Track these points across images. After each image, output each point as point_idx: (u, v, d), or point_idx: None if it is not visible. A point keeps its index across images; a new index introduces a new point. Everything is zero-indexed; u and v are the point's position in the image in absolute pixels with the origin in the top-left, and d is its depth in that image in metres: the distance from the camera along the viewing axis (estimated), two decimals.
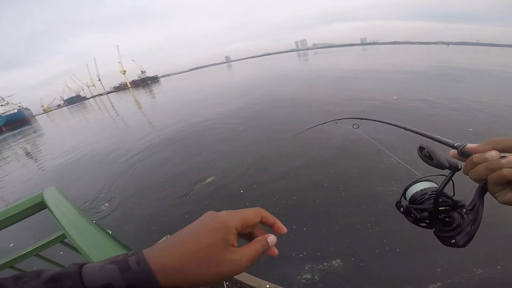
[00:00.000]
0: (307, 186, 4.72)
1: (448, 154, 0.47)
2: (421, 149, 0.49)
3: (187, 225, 0.35)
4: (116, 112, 27.08)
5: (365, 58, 52.10)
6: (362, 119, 1.07)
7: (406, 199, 0.56)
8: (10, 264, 1.10)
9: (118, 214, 5.00)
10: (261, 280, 2.42)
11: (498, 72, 18.62)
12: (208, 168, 6.23)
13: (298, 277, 2.89)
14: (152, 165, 7.33)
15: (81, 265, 0.31)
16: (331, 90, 14.55)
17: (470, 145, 0.43)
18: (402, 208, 0.55)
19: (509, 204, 0.39)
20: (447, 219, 0.47)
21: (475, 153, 0.42)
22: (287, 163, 5.80)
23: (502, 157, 0.39)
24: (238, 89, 22.34)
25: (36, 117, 78.94)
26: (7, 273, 0.70)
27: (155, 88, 62.45)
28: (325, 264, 3.03)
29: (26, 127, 41.08)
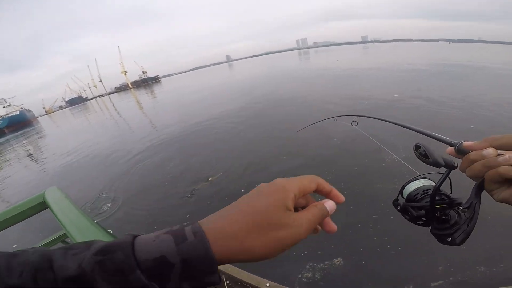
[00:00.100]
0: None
1: (445, 151, 0.47)
2: (417, 147, 0.49)
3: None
4: (118, 112, 27.16)
5: (366, 56, 51.88)
6: (360, 116, 1.07)
7: (403, 197, 0.56)
8: None
9: (120, 215, 5.02)
10: (262, 278, 2.43)
11: (500, 69, 18.50)
12: (209, 168, 6.24)
13: (299, 276, 2.88)
14: (153, 166, 7.35)
15: (135, 236, 0.30)
16: (331, 89, 14.51)
17: (467, 143, 0.43)
18: (399, 206, 0.55)
19: (505, 202, 0.39)
20: (443, 217, 0.47)
21: (472, 151, 0.42)
22: (287, 162, 5.80)
23: (499, 154, 0.39)
24: (238, 89, 22.31)
25: (38, 118, 79.15)
26: None
27: (156, 88, 62.57)
28: (326, 263, 3.02)
29: (28, 129, 41.25)
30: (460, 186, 0.54)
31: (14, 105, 68.57)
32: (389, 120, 0.75)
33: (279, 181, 0.34)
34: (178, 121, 12.70)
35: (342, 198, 0.38)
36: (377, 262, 2.99)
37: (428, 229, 0.51)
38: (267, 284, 2.26)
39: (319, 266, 3.00)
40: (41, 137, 24.37)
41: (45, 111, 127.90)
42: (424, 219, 0.50)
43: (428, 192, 0.52)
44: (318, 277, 2.86)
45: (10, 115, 60.67)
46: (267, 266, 2.93)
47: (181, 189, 5.44)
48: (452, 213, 0.47)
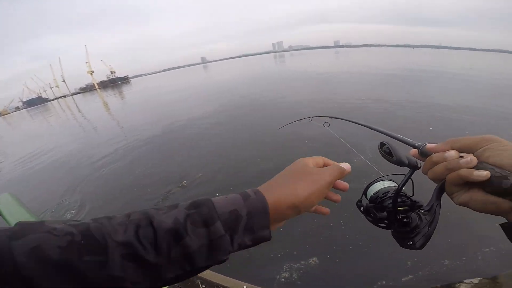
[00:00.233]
0: None
1: (409, 153, 0.47)
2: (381, 145, 0.48)
3: None
4: (82, 114, 25.44)
5: (337, 60, 54.35)
6: (332, 117, 1.10)
7: (367, 198, 0.55)
8: None
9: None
10: (238, 281, 2.38)
11: (457, 74, 20.42)
12: (182, 171, 6.02)
13: (278, 277, 2.90)
14: (121, 169, 6.94)
15: (210, 198, 0.37)
16: (305, 91, 14.86)
17: (429, 145, 0.43)
18: (362, 207, 0.54)
19: (464, 205, 0.38)
20: (404, 220, 0.46)
21: (434, 153, 0.42)
22: (262, 165, 5.79)
23: (460, 157, 0.38)
24: (213, 90, 22.10)
25: None
26: None
27: (125, 89, 59.80)
28: (303, 262, 3.05)
29: None
30: (422, 189, 0.53)
31: None
32: (358, 122, 0.77)
33: (300, 159, 0.47)
34: (148, 122, 12.20)
35: (348, 165, 0.48)
36: (351, 259, 3.08)
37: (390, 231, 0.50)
38: (244, 286, 2.21)
39: (295, 266, 3.02)
40: None
41: None
42: (386, 221, 0.49)
43: (392, 194, 0.51)
44: (296, 277, 2.89)
45: None
46: (246, 269, 2.92)
47: (153, 193, 5.19)
48: (413, 215, 0.46)
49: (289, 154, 6.11)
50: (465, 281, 2.13)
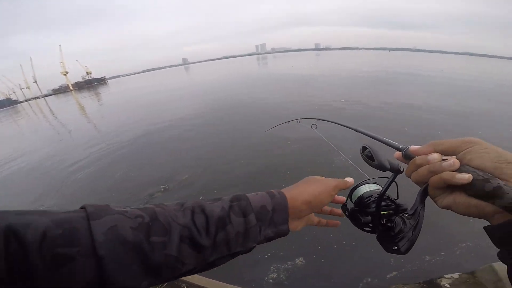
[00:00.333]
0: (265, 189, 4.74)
1: (393, 156, 0.46)
2: (363, 149, 0.47)
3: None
4: (56, 116, 24.04)
5: (318, 62, 55.69)
6: (320, 119, 1.12)
7: (352, 202, 0.55)
8: None
9: None
10: (224, 283, 2.34)
11: (431, 77, 21.59)
12: (163, 175, 5.84)
13: (266, 278, 2.90)
14: (99, 173, 6.61)
15: (245, 194, 0.44)
16: (285, 95, 14.93)
17: (413, 147, 0.43)
18: (347, 212, 0.54)
19: (448, 209, 0.38)
20: (389, 224, 0.46)
21: (417, 155, 0.41)
22: (247, 167, 5.75)
23: (443, 159, 0.38)
24: (194, 93, 21.86)
25: None
26: None
27: (102, 90, 57.43)
28: (289, 263, 3.07)
29: None
30: (408, 191, 0.53)
31: None
32: (344, 125, 0.79)
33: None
34: (127, 125, 11.77)
35: (351, 179, 0.54)
36: (336, 259, 3.13)
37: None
38: None
39: (282, 267, 3.02)
40: None
41: None
42: (371, 225, 0.49)
43: (375, 197, 0.50)
44: (283, 277, 2.89)
45: None
46: (234, 271, 2.91)
47: (132, 199, 4.98)
48: (397, 220, 0.46)
49: (273, 156, 6.12)
50: (445, 276, 2.22)
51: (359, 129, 0.66)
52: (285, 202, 0.44)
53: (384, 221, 0.46)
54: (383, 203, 0.47)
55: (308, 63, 52.01)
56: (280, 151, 6.29)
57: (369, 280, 2.76)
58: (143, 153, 7.72)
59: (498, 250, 0.34)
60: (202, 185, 5.21)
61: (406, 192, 0.53)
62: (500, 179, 0.32)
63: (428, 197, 0.42)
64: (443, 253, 3.00)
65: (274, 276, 2.92)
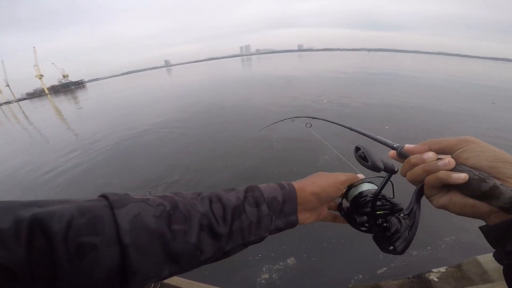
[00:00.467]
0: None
1: (388, 155, 0.46)
2: (357, 149, 0.47)
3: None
4: (30, 122, 22.73)
5: (301, 63, 56.54)
6: (314, 118, 1.10)
7: (347, 201, 0.54)
8: None
9: None
10: (211, 286, 2.30)
11: (408, 76, 22.52)
12: (147, 178, 5.66)
13: (258, 279, 2.89)
14: (76, 181, 6.30)
15: (258, 185, 0.46)
16: (270, 95, 15.01)
17: (407, 146, 0.43)
18: (342, 212, 0.53)
19: (444, 209, 0.37)
20: (384, 224, 0.45)
21: (412, 154, 0.41)
22: (232, 169, 5.72)
23: (438, 158, 0.38)
24: (177, 95, 21.43)
25: None
26: None
27: (80, 94, 55.07)
28: (281, 263, 3.07)
29: None
30: (404, 191, 0.53)
31: None
32: (339, 123, 0.79)
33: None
34: (107, 129, 11.31)
35: (361, 175, 0.55)
36: (326, 257, 3.16)
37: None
38: None
39: (274, 267, 3.02)
40: None
41: None
42: (367, 225, 0.48)
43: (371, 197, 0.49)
44: (276, 278, 2.89)
45: None
46: (227, 273, 2.90)
47: None
48: (393, 220, 0.45)
49: (259, 157, 6.12)
50: (433, 270, 2.28)
51: (353, 127, 0.66)
52: (294, 193, 0.46)
53: (380, 221, 0.45)
54: (378, 203, 0.46)
55: (292, 64, 52.66)
56: (266, 153, 6.30)
57: (360, 277, 2.80)
58: (125, 158, 7.45)
59: (494, 250, 0.34)
60: (189, 188, 5.11)
61: (403, 191, 0.52)
62: (496, 178, 0.32)
63: (424, 197, 0.42)
64: (429, 248, 3.10)
65: (267, 276, 2.91)
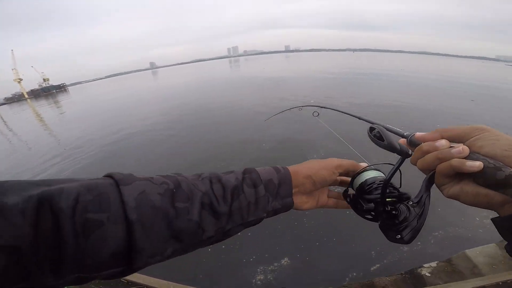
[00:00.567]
0: None
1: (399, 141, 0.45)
2: (371, 129, 0.46)
3: None
4: (10, 128, 21.72)
5: (288, 64, 57.02)
6: (322, 107, 1.09)
7: (353, 189, 0.52)
8: None
9: None
10: (186, 286, 2.28)
11: (393, 76, 23.16)
12: None
13: (254, 280, 2.88)
14: None
15: (255, 168, 0.46)
16: (258, 97, 15.03)
17: (418, 134, 0.41)
18: (348, 198, 0.52)
19: (455, 198, 0.36)
20: (393, 212, 0.44)
21: (424, 142, 0.39)
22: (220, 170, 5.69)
23: (451, 147, 0.36)
24: (161, 98, 21.15)
25: None
26: None
27: (62, 98, 53.10)
28: (276, 264, 3.06)
29: None
30: (410, 181, 0.53)
31: None
32: (347, 112, 0.78)
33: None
34: (91, 133, 11.02)
35: (365, 164, 0.55)
36: (319, 256, 3.18)
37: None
38: None
39: (269, 268, 3.01)
40: None
41: None
42: (373, 213, 0.47)
43: (380, 184, 0.48)
44: (271, 278, 2.89)
45: None
46: (223, 276, 2.92)
47: None
48: (402, 207, 0.44)
49: (249, 158, 6.10)
50: (424, 265, 2.34)
51: (362, 116, 0.65)
52: (289, 176, 0.46)
53: (389, 208, 0.44)
54: (387, 190, 0.44)
55: (280, 65, 53.10)
56: (254, 153, 6.34)
57: (354, 274, 2.83)
58: (111, 163, 7.27)
59: (506, 242, 0.32)
60: None
61: (408, 181, 0.52)
62: (511, 167, 0.31)
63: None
64: (419, 243, 3.16)
65: (262, 277, 2.90)
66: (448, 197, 0.37)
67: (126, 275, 0.32)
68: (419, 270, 2.30)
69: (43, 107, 37.44)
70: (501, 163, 0.31)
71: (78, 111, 23.60)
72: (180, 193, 0.35)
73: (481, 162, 0.32)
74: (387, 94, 13.41)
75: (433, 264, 2.34)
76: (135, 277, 2.28)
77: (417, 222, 0.41)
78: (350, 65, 38.31)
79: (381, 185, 0.45)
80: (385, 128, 0.48)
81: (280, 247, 3.32)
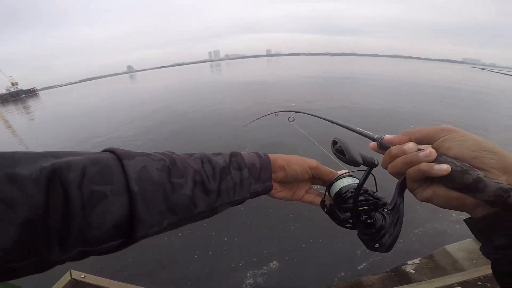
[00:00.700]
0: None
1: (368, 146, 0.44)
2: (334, 143, 0.44)
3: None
4: None
5: (270, 68, 57.70)
6: (297, 112, 1.11)
7: (330, 197, 0.51)
8: None
9: None
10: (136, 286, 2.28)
11: (368, 79, 24.13)
12: None
13: (244, 285, 2.85)
14: None
15: (240, 152, 0.49)
16: (239, 101, 15.04)
17: (387, 137, 0.40)
18: (326, 208, 0.50)
19: (429, 202, 0.36)
20: (368, 221, 0.42)
21: (393, 145, 0.39)
22: None
23: (419, 149, 0.36)
24: (138, 102, 20.58)
25: None
26: None
27: (33, 103, 49.77)
28: (264, 268, 3.05)
29: None
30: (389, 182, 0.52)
31: None
32: (320, 116, 0.80)
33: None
34: (62, 142, 10.47)
35: (344, 171, 0.56)
36: (307, 257, 3.21)
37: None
38: None
39: (259, 272, 3.00)
40: None
41: None
42: (351, 221, 0.46)
43: (353, 192, 0.46)
44: (261, 281, 2.87)
45: None
46: (212, 282, 2.89)
47: None
48: (377, 215, 0.43)
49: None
50: (408, 262, 2.40)
51: (334, 120, 0.66)
52: (269, 162, 0.49)
53: (364, 218, 0.43)
54: (361, 198, 0.44)
55: (261, 69, 53.56)
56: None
57: (342, 274, 2.87)
58: None
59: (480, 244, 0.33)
60: None
61: (387, 183, 0.51)
62: (479, 169, 0.30)
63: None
64: (401, 240, 3.26)
65: (251, 281, 2.89)
66: (421, 201, 0.37)
67: (125, 247, 0.33)
68: (403, 267, 2.37)
69: (11, 112, 34.84)
70: (468, 165, 0.31)
71: (49, 117, 22.22)
72: (175, 170, 0.37)
73: (449, 166, 0.32)
74: (359, 97, 13.94)
75: (416, 261, 2.42)
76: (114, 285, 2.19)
77: (394, 230, 0.41)
78: (329, 69, 39.53)
79: (353, 193, 0.44)
80: (356, 132, 0.49)
81: (267, 250, 3.32)
